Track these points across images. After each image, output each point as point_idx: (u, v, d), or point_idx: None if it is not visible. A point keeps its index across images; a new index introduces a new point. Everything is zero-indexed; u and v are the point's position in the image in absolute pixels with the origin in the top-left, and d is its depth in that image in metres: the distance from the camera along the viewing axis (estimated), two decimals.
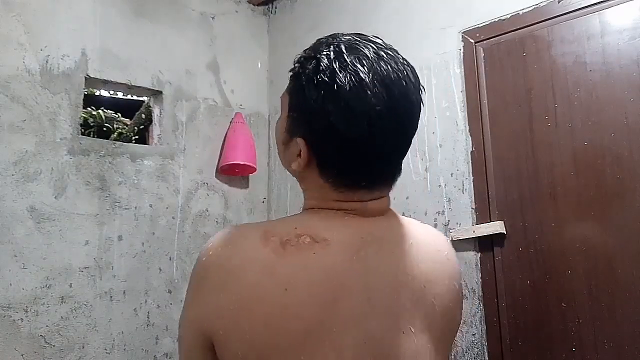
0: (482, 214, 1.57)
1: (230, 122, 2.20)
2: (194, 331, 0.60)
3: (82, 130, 1.88)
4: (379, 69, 0.59)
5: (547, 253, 1.43)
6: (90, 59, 1.78)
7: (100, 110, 3.56)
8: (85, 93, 1.82)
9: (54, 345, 1.57)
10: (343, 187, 0.64)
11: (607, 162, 1.35)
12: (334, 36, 0.65)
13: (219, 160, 2.14)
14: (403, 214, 0.75)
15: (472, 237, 1.57)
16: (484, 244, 1.56)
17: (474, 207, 1.60)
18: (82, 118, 1.81)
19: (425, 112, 1.75)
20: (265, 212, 2.32)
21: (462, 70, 1.68)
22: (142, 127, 3.33)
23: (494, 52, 1.61)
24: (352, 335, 0.58)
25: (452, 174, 1.67)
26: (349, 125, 0.58)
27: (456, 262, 0.72)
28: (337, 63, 0.59)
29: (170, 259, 1.91)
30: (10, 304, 1.50)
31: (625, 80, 1.35)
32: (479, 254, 1.57)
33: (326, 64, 0.60)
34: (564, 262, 1.39)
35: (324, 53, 0.61)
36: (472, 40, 1.67)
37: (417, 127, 0.65)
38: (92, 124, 3.50)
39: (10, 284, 1.51)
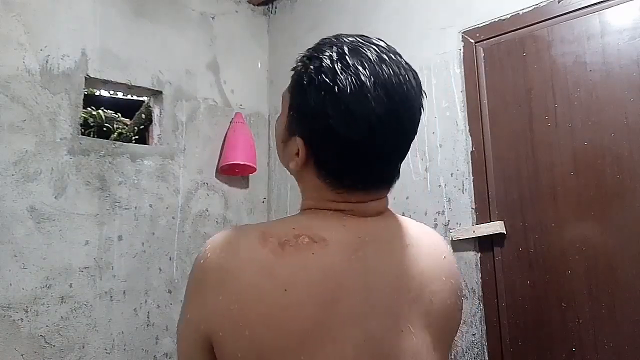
0: (482, 214, 1.57)
1: (230, 122, 2.20)
2: (193, 333, 0.60)
3: (82, 130, 1.88)
4: (380, 72, 0.59)
5: (547, 253, 1.43)
6: (90, 59, 1.78)
7: (100, 110, 3.55)
8: (85, 93, 1.82)
9: (54, 345, 1.57)
10: (340, 188, 0.64)
11: (607, 162, 1.35)
12: (337, 37, 0.64)
13: (219, 160, 2.14)
14: (403, 214, 0.75)
15: (472, 237, 1.57)
16: (484, 244, 1.56)
17: (474, 207, 1.60)
18: (82, 118, 1.81)
19: (425, 112, 1.74)
20: (265, 212, 2.32)
21: (462, 70, 1.68)
22: (142, 127, 3.33)
23: (494, 52, 1.61)
24: (351, 335, 0.58)
25: (452, 174, 1.67)
26: (349, 128, 0.58)
27: (452, 260, 0.72)
28: (339, 65, 0.59)
29: (170, 259, 1.91)
30: (10, 304, 1.50)
31: (625, 80, 1.35)
32: (479, 254, 1.57)
33: (328, 66, 0.60)
34: (564, 262, 1.39)
35: (327, 54, 0.61)
36: (472, 40, 1.67)
37: (417, 131, 0.65)
38: (92, 124, 3.50)
39: (10, 284, 1.51)
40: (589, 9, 1.43)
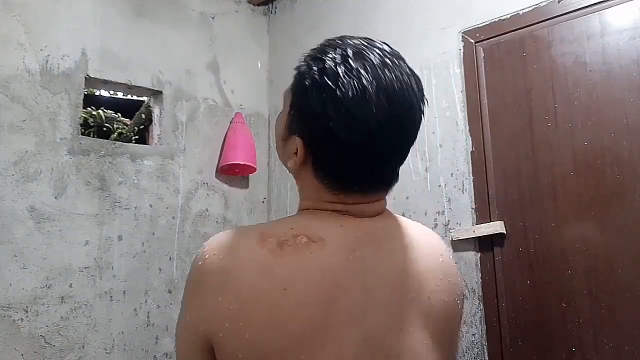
0: (482, 214, 1.57)
1: (230, 122, 2.20)
2: (192, 335, 0.60)
3: (82, 130, 1.88)
4: (383, 77, 0.59)
5: (547, 253, 1.43)
6: (90, 59, 1.78)
7: (100, 110, 3.55)
8: (85, 93, 1.82)
9: (54, 345, 1.57)
10: (337, 189, 0.64)
11: (607, 162, 1.35)
12: (342, 39, 0.64)
13: (219, 160, 2.14)
14: (403, 214, 0.75)
15: (472, 237, 1.57)
16: (484, 244, 1.56)
17: (474, 207, 1.60)
18: (82, 118, 1.81)
19: (425, 113, 1.75)
20: (265, 212, 2.32)
21: (462, 70, 1.68)
22: (142, 127, 3.33)
23: (494, 52, 1.61)
24: (351, 335, 0.58)
25: (452, 174, 1.67)
26: (348, 131, 0.58)
27: (450, 259, 0.72)
28: (342, 68, 0.59)
29: (170, 259, 1.92)
30: (10, 304, 1.50)
31: (625, 80, 1.35)
32: (479, 254, 1.57)
33: (331, 68, 0.60)
34: (564, 262, 1.39)
35: (331, 56, 0.61)
36: (472, 40, 1.67)
37: (417, 137, 0.66)
38: (92, 124, 3.50)
39: (10, 284, 1.51)
40: (589, 9, 1.43)
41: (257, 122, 2.35)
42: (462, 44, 1.69)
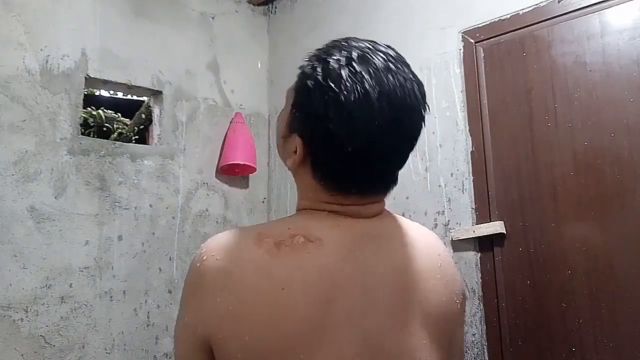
0: (482, 214, 1.57)
1: (230, 122, 2.20)
2: (190, 336, 0.60)
3: (82, 130, 1.88)
4: (386, 82, 0.59)
5: (547, 253, 1.43)
6: (90, 59, 1.78)
7: (100, 110, 3.55)
8: (85, 93, 1.82)
9: (54, 345, 1.57)
10: (334, 190, 0.64)
11: (607, 162, 1.35)
12: (347, 41, 0.64)
13: (219, 160, 2.14)
14: (403, 214, 0.75)
15: (472, 237, 1.57)
16: (484, 244, 1.56)
17: (474, 207, 1.60)
18: (82, 118, 1.81)
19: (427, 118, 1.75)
20: (265, 212, 2.32)
21: (462, 70, 1.68)
22: (142, 127, 3.33)
23: (494, 52, 1.61)
24: (350, 334, 0.58)
25: (452, 174, 1.67)
26: (349, 135, 0.59)
27: (449, 259, 0.72)
28: (346, 71, 0.59)
29: (170, 259, 1.92)
30: (10, 304, 1.50)
31: (625, 80, 1.35)
32: (479, 254, 1.57)
33: (335, 71, 0.60)
34: (564, 262, 1.39)
35: (335, 58, 0.61)
36: (472, 40, 1.67)
37: (417, 142, 0.66)
38: (92, 124, 3.50)
39: (10, 284, 1.51)
40: (589, 9, 1.43)
41: (257, 122, 2.35)
42: (462, 44, 1.69)
